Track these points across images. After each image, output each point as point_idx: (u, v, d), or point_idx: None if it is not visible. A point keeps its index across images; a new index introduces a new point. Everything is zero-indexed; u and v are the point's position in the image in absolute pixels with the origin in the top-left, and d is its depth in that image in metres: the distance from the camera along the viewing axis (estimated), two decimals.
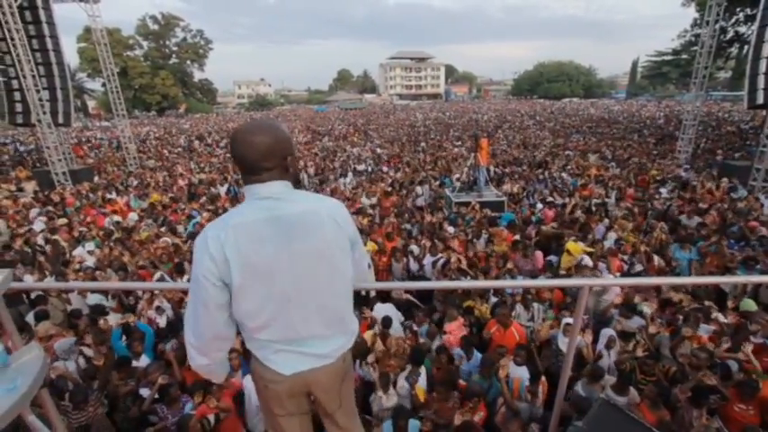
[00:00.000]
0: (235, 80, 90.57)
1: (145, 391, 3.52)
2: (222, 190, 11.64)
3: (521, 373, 3.71)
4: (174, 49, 58.39)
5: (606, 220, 7.63)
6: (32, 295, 5.01)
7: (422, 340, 4.28)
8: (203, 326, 1.22)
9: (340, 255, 1.28)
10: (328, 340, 1.33)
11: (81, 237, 7.51)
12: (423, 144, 20.39)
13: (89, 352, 4.07)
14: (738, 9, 19.63)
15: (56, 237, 7.42)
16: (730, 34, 21.86)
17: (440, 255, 5.89)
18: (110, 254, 6.40)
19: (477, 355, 4.05)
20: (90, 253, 6.71)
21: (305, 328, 1.27)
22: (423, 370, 3.72)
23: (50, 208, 9.79)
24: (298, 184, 1.33)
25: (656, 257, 5.78)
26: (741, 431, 3.12)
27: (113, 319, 4.34)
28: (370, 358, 3.80)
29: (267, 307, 1.21)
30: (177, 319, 4.68)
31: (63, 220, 8.68)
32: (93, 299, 4.84)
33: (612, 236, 6.85)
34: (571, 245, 5.97)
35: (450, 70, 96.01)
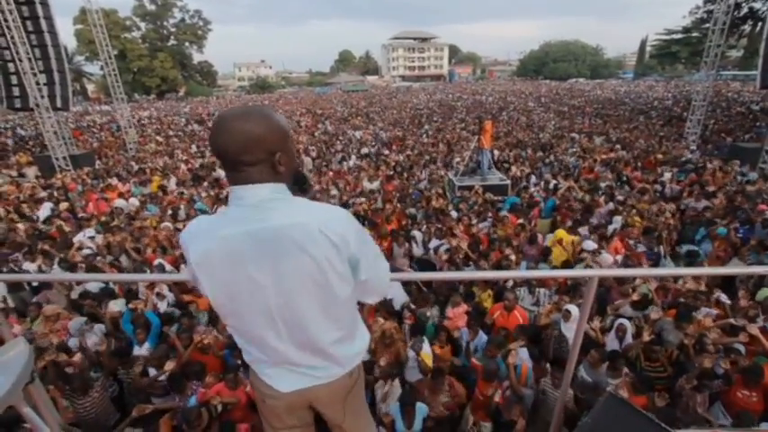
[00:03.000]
0: (235, 62, 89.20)
1: (152, 371, 3.58)
2: (223, 174, 11.57)
3: (524, 356, 3.72)
4: (173, 30, 57.19)
5: (611, 204, 7.54)
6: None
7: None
8: None
9: (334, 277, 1.05)
10: (326, 368, 1.19)
11: (84, 222, 7.51)
12: (426, 127, 20.12)
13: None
14: None
15: (60, 222, 7.44)
16: (744, 10, 21.11)
17: (443, 241, 5.85)
18: (113, 240, 6.40)
19: (483, 336, 4.07)
20: (91, 239, 6.72)
21: (297, 355, 1.14)
22: (425, 339, 3.77)
23: (54, 193, 9.79)
24: (299, 184, 1.14)
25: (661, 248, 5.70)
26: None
27: (117, 306, 4.35)
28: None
29: (252, 330, 1.10)
30: (178, 305, 4.69)
31: (64, 205, 8.69)
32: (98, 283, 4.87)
33: (618, 219, 6.78)
34: (560, 232, 5.94)
35: (453, 51, 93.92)
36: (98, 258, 5.69)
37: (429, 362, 3.60)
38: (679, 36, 33.13)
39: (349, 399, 1.30)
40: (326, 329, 1.12)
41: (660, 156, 11.33)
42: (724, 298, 4.22)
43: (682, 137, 14.57)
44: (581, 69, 70.34)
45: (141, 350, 4.00)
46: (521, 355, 3.60)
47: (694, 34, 29.03)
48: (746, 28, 23.08)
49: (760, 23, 22.02)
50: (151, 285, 4.83)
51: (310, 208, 1.04)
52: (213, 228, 1.02)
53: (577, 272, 2.47)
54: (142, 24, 54.82)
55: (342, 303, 1.11)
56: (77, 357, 3.73)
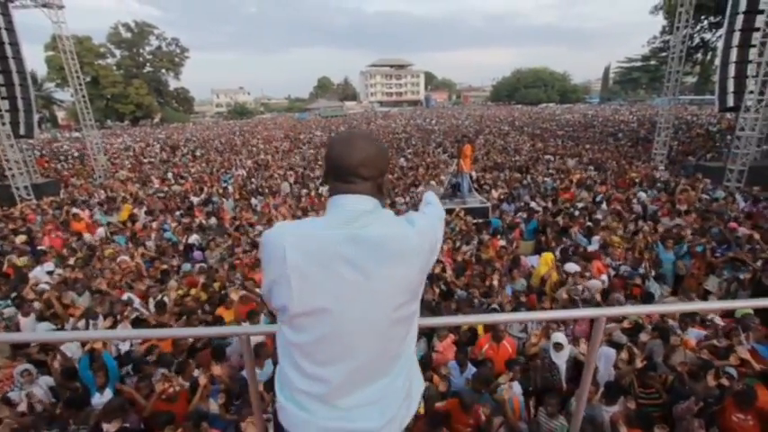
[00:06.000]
0: (213, 88, 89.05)
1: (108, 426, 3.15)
2: (196, 200, 11.16)
3: (515, 390, 3.53)
4: (149, 57, 56.95)
5: (589, 224, 7.62)
6: None
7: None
8: None
9: (419, 290, 1.07)
10: (386, 405, 1.03)
11: (41, 256, 6.98)
12: (408, 150, 20.30)
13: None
14: (703, 17, 20.44)
15: (13, 257, 6.88)
16: (696, 41, 22.76)
17: None
18: (72, 276, 5.93)
19: (472, 369, 3.88)
20: (49, 274, 6.23)
21: (360, 377, 1.01)
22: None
23: (10, 225, 9.13)
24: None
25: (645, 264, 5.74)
26: None
27: (69, 351, 3.92)
28: None
29: (326, 341, 0.99)
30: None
31: (21, 237, 8.09)
32: (45, 326, 4.39)
33: (596, 239, 6.82)
34: (547, 255, 5.92)
35: (429, 77, 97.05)
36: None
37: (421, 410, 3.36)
38: (639, 64, 35.52)
39: None
40: (401, 345, 1.06)
41: (634, 175, 11.70)
42: (718, 320, 4.19)
43: (650, 157, 15.21)
44: (550, 94, 73.81)
45: (102, 398, 3.57)
46: (513, 389, 3.42)
47: (652, 62, 31.14)
48: (699, 56, 24.88)
49: (710, 53, 23.83)
50: (113, 323, 4.44)
51: (407, 221, 1.07)
52: (311, 227, 1.02)
53: (584, 312, 2.34)
54: (117, 51, 54.34)
55: (415, 319, 1.10)
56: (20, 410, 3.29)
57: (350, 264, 0.95)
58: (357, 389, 1.01)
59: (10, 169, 12.29)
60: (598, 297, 4.90)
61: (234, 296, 4.66)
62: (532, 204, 9.35)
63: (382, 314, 0.99)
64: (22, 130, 12.93)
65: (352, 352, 0.99)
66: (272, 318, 4.49)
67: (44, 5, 13.81)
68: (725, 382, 3.30)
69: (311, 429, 1.01)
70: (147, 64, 56.96)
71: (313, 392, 1.00)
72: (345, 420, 1.00)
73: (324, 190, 12.27)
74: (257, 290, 5.39)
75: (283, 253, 0.96)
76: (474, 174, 12.12)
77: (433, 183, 10.01)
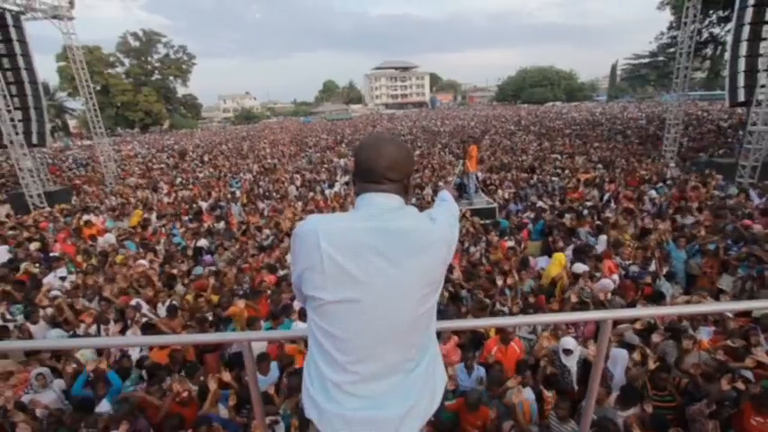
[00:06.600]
0: (220, 94, 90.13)
1: None
2: (204, 205, 11.26)
3: (527, 395, 3.48)
4: (157, 65, 57.85)
5: (598, 223, 7.52)
6: None
7: None
8: None
9: (440, 282, 1.13)
10: (406, 392, 1.06)
11: (53, 262, 7.09)
12: (416, 153, 20.27)
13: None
14: (711, 11, 20.12)
15: (27, 264, 7.00)
16: (705, 35, 22.41)
17: None
18: (83, 281, 6.02)
19: (480, 370, 3.85)
20: (62, 279, 6.33)
21: (386, 367, 1.04)
22: None
23: (25, 233, 9.30)
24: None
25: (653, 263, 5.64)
26: None
27: (83, 357, 3.96)
28: None
29: (354, 330, 1.02)
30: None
31: (35, 245, 8.24)
32: (55, 333, 4.45)
33: (603, 238, 6.72)
34: (559, 255, 5.85)
35: (434, 79, 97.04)
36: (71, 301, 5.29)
37: None
38: (646, 60, 34.97)
39: None
40: (422, 337, 1.11)
41: (644, 173, 11.52)
42: (728, 314, 4.10)
43: (660, 155, 14.97)
44: (557, 93, 72.99)
45: (100, 407, 3.53)
46: (523, 393, 3.37)
47: (660, 58, 30.64)
48: (708, 51, 24.47)
49: (719, 47, 23.43)
50: (122, 329, 4.49)
51: (429, 217, 1.12)
52: (342, 219, 1.08)
53: (591, 314, 2.30)
54: (126, 60, 55.31)
55: (434, 311, 1.14)
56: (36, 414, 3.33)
57: (379, 254, 1.00)
58: (382, 378, 1.04)
59: (23, 178, 12.55)
60: (602, 297, 4.80)
61: (241, 305, 4.70)
62: (539, 204, 9.26)
63: (408, 305, 1.03)
64: (34, 139, 13.22)
65: (379, 342, 1.02)
66: (275, 323, 4.53)
67: (55, 17, 14.09)
68: (740, 385, 3.21)
69: (337, 421, 1.02)
70: (156, 72, 57.85)
71: (340, 382, 1.02)
72: (369, 409, 1.02)
73: (330, 193, 12.33)
74: (269, 291, 5.45)
75: (317, 242, 1.00)
76: (480, 174, 12.07)
77: (450, 179, 10.04)
